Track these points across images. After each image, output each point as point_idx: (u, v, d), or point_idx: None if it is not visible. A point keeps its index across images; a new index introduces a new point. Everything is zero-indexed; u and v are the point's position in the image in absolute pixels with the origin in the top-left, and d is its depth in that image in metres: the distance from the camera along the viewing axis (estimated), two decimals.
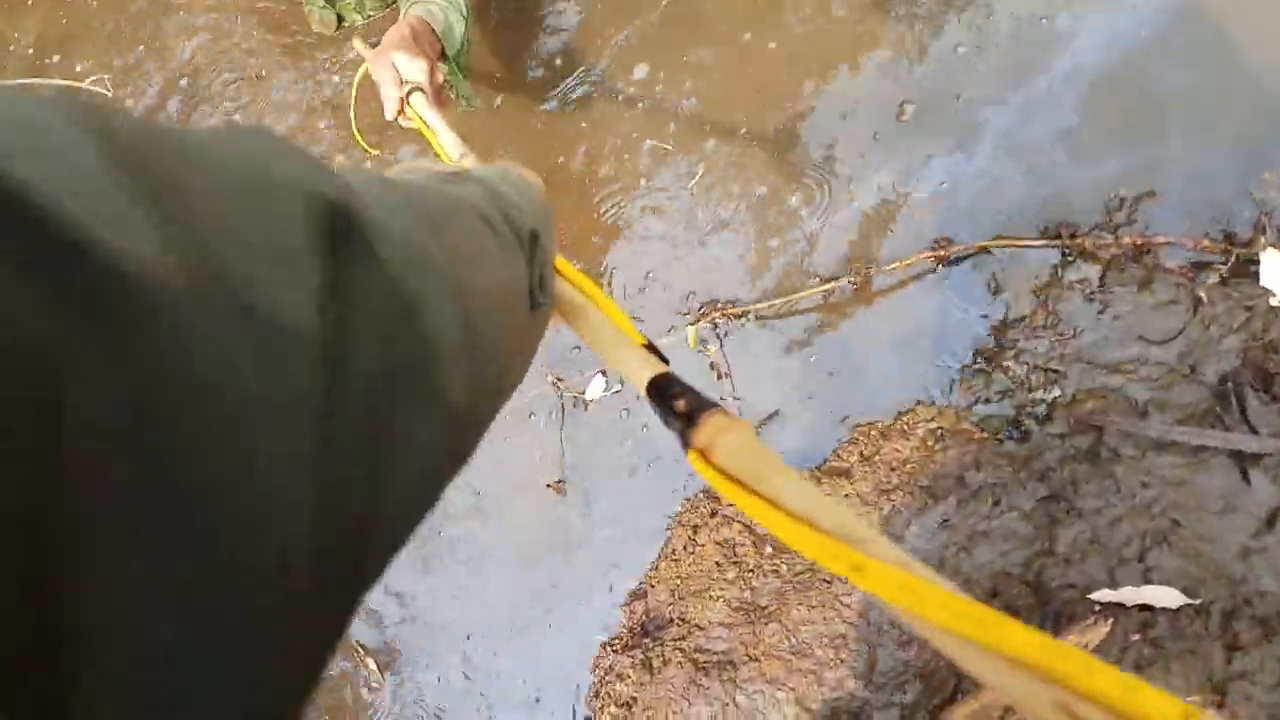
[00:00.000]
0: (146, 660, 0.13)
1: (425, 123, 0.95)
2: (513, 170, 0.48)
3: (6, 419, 0.11)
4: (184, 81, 1.72)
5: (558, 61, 1.48)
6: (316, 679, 0.18)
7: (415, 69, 0.99)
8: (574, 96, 1.45)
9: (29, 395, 0.11)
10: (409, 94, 0.98)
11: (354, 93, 1.30)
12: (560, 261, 0.45)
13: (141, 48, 1.76)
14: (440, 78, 1.05)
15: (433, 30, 1.08)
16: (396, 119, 1.01)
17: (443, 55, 1.11)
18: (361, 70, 1.19)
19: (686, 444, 0.31)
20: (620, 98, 1.42)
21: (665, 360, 0.39)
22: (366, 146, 1.40)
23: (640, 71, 1.42)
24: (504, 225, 0.34)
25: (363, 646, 1.28)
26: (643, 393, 0.36)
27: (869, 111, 1.30)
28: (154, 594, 0.13)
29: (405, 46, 1.00)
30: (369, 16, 1.31)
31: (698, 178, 1.34)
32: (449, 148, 0.90)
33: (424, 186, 0.31)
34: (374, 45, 1.06)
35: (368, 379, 0.19)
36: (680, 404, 0.33)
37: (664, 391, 0.34)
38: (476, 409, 0.27)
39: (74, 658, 0.12)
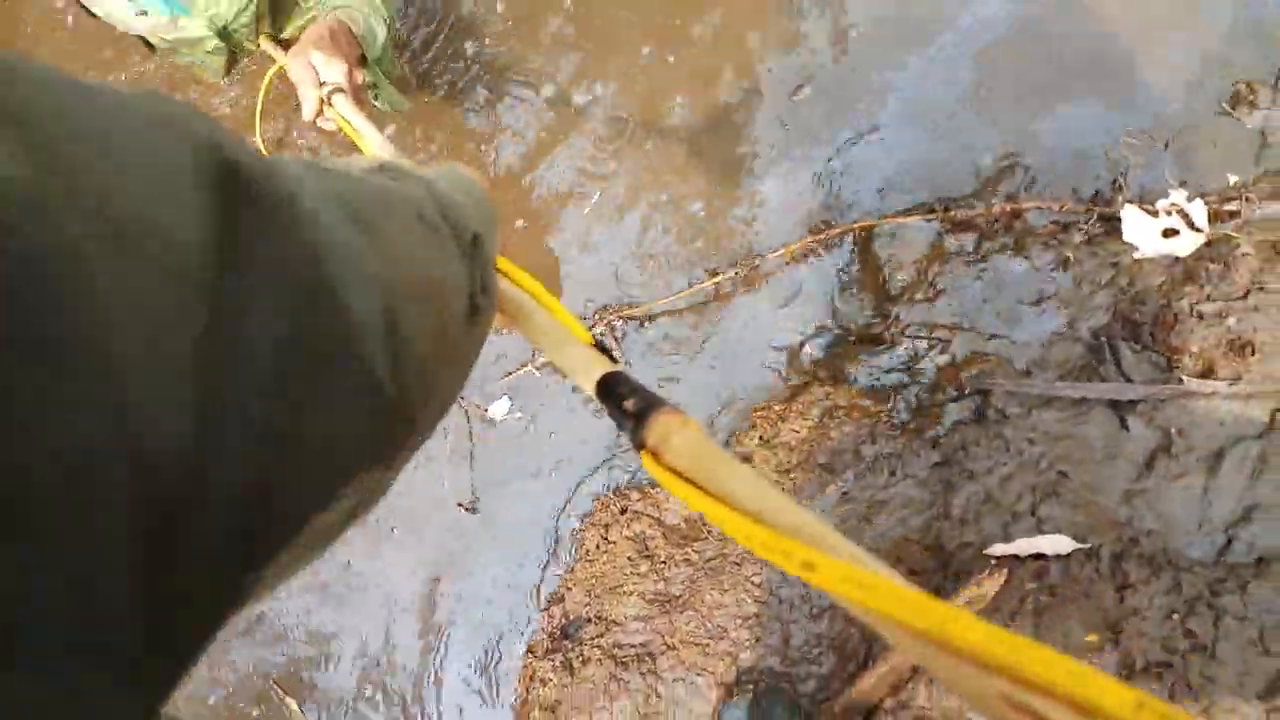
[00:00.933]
0: None
1: (350, 124, 0.93)
2: (458, 169, 0.47)
3: None
4: None
5: (472, 64, 1.46)
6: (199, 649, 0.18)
7: (334, 69, 0.97)
8: (475, 97, 1.44)
9: None
10: (330, 94, 0.96)
11: (260, 98, 1.25)
12: (503, 262, 0.44)
13: None
14: (360, 79, 1.03)
15: (351, 32, 1.06)
16: (315, 120, 0.99)
17: (363, 60, 1.09)
18: (270, 75, 1.15)
19: (638, 445, 0.31)
20: (519, 106, 1.42)
21: (614, 359, 0.39)
22: (265, 152, 1.35)
23: (529, 76, 1.42)
24: (443, 225, 0.34)
25: (279, 685, 1.26)
26: (592, 393, 0.36)
27: (763, 102, 1.31)
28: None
29: (322, 46, 0.97)
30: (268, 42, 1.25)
31: (597, 195, 1.34)
32: (376, 149, 0.88)
33: (356, 179, 0.30)
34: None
35: (275, 341, 0.19)
36: (630, 404, 0.32)
37: (612, 391, 0.34)
38: (403, 405, 0.26)
39: None
